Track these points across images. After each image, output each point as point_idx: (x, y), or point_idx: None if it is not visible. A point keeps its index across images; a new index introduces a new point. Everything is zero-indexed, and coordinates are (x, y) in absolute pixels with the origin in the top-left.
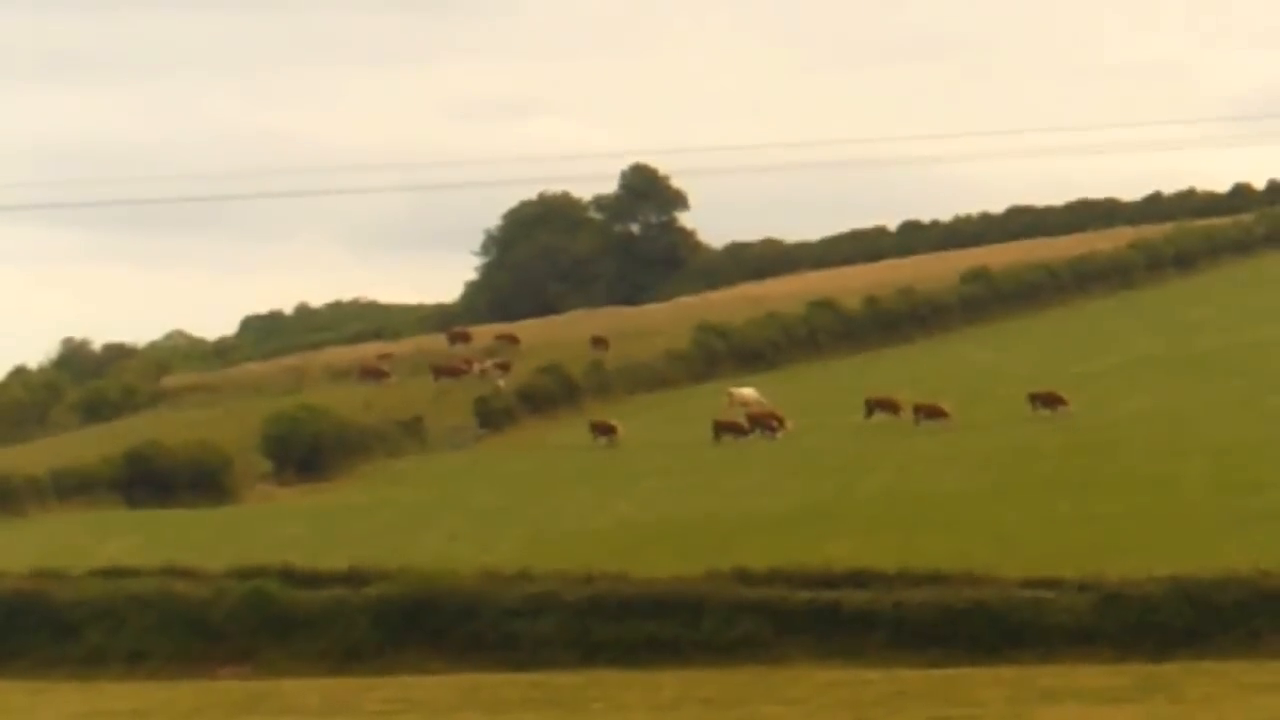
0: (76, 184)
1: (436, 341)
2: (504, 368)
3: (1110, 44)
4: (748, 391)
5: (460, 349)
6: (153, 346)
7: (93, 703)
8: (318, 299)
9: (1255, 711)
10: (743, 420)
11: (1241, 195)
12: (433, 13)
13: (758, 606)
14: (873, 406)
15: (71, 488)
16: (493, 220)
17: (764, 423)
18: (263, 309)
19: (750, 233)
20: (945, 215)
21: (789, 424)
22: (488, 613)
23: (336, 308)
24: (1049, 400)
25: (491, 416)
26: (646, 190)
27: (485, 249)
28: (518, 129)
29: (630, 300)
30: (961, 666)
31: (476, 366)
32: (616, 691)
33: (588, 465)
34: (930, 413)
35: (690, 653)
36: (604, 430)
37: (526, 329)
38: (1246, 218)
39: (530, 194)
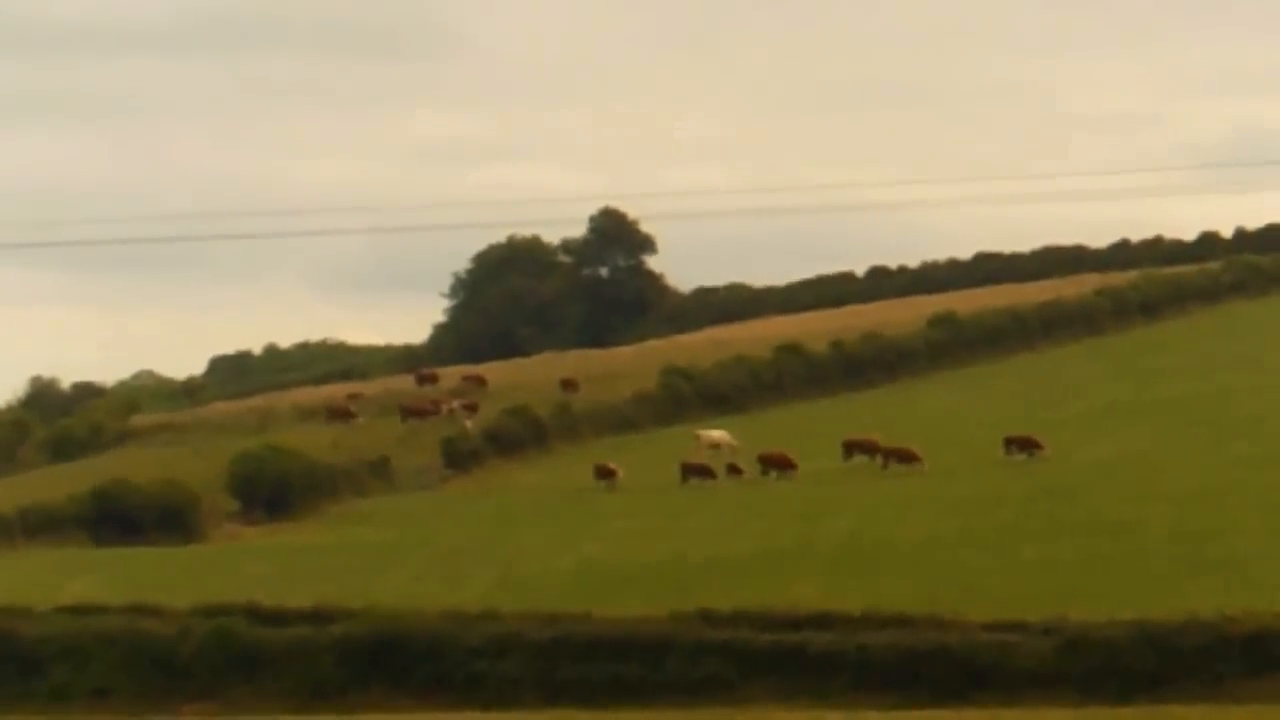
0: (45, 225)
1: (404, 382)
2: (471, 409)
3: (1077, 93)
4: (717, 434)
5: (428, 390)
6: (121, 386)
7: None
8: (286, 339)
9: None
10: (728, 458)
11: (1208, 243)
12: (401, 57)
13: (722, 648)
14: (851, 448)
15: (39, 525)
16: (461, 263)
17: (779, 464)
18: (231, 349)
19: (718, 277)
20: (913, 261)
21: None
22: (453, 652)
23: (304, 348)
24: (1024, 444)
25: (458, 457)
26: (615, 234)
27: (453, 291)
28: (486, 173)
29: (598, 343)
30: (925, 709)
31: (444, 407)
32: None
33: (554, 507)
34: (902, 456)
35: (655, 693)
36: (605, 474)
37: (494, 370)
38: (1213, 266)
39: (499, 237)
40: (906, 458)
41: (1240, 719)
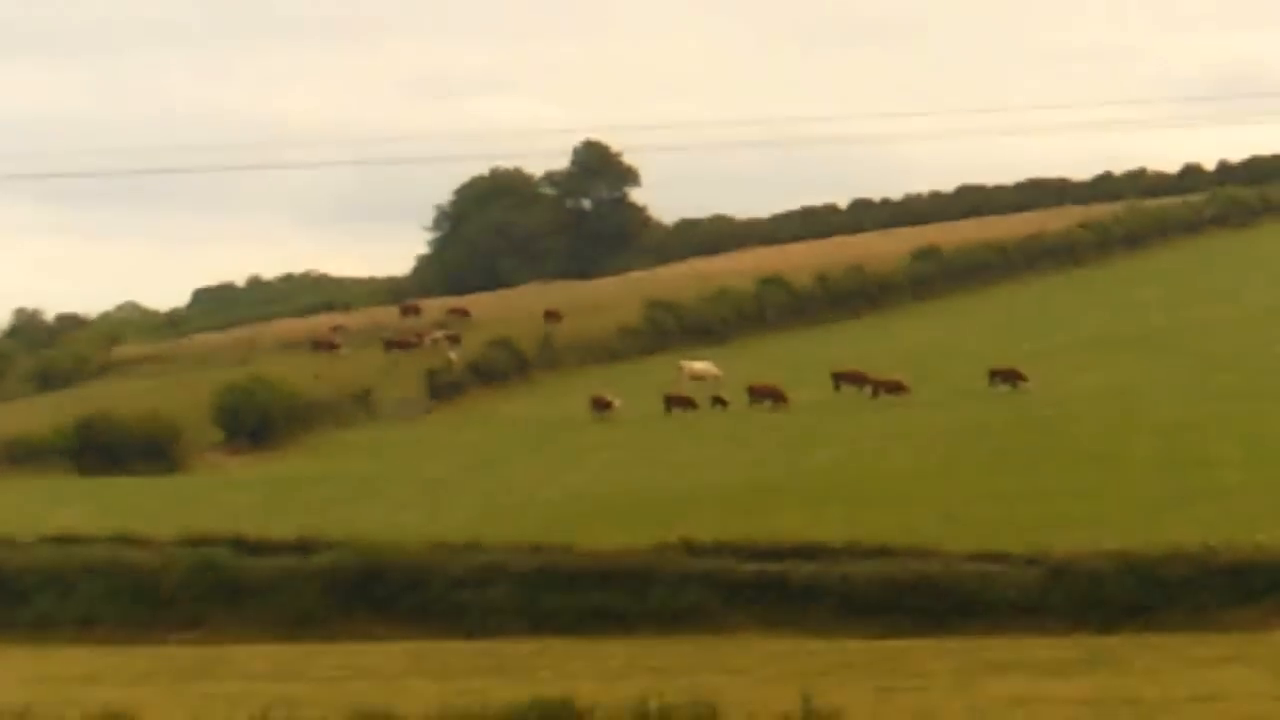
0: (29, 157)
1: (387, 314)
2: (455, 340)
3: (1063, 26)
4: (701, 365)
5: (411, 322)
6: (105, 317)
7: (42, 668)
8: (269, 271)
9: (1200, 685)
10: (712, 389)
11: (1191, 176)
12: None
13: (705, 578)
14: (839, 380)
15: (23, 456)
16: (444, 195)
17: (771, 395)
18: (214, 281)
19: (701, 209)
20: (896, 193)
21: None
22: (436, 582)
23: (288, 280)
24: (1009, 376)
25: (442, 389)
26: (598, 166)
27: (437, 224)
28: (470, 105)
29: (581, 275)
30: (908, 639)
31: (427, 339)
32: (564, 660)
33: (538, 437)
34: (891, 388)
35: (638, 623)
36: (601, 405)
37: (477, 302)
38: (1196, 198)
39: (482, 169)
40: (895, 389)
41: (1223, 648)
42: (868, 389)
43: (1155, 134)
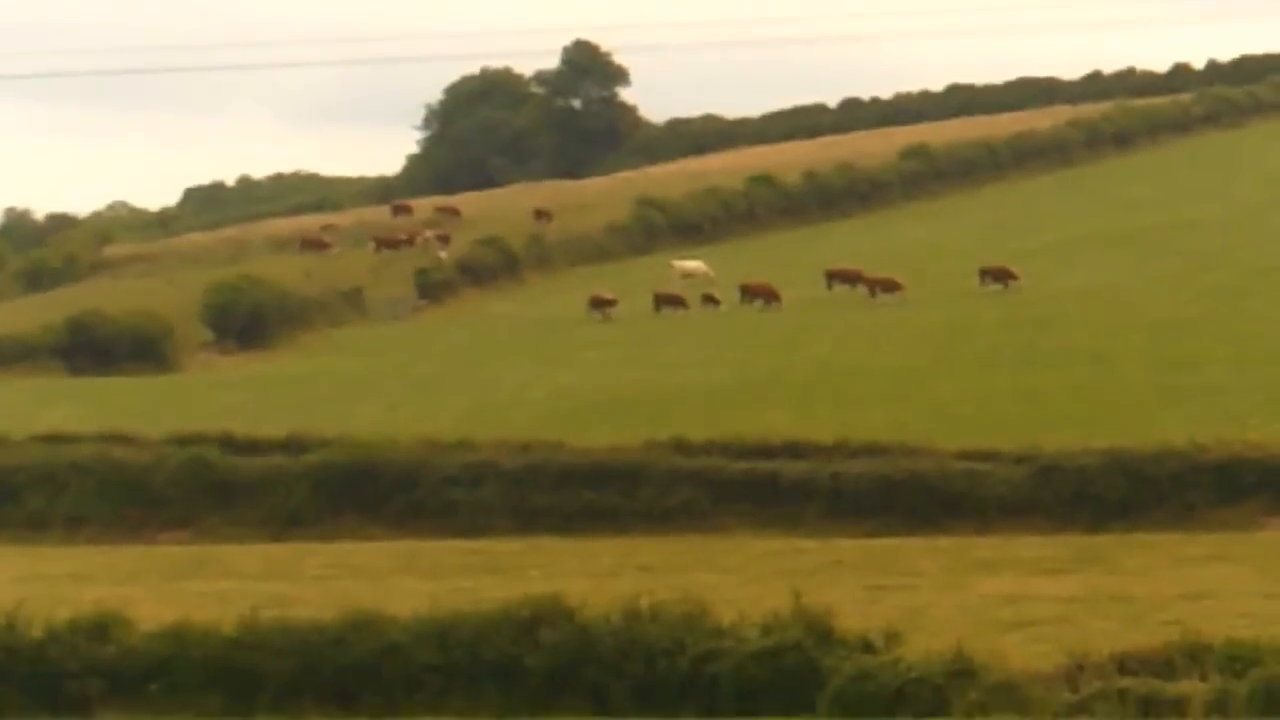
0: (18, 56)
1: (377, 213)
2: (445, 239)
3: None
4: (692, 264)
5: (402, 221)
6: (95, 216)
7: (32, 566)
8: (259, 171)
9: (1188, 582)
10: (703, 288)
11: (1180, 75)
12: None
13: (695, 476)
14: (834, 278)
15: (13, 355)
16: (434, 94)
17: (763, 294)
18: (204, 180)
19: (691, 108)
20: (885, 92)
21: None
22: (427, 481)
23: (278, 179)
24: (999, 274)
25: (432, 288)
26: (588, 66)
27: (426, 123)
28: (459, 3)
29: (570, 175)
30: (898, 537)
31: (418, 238)
32: (554, 559)
33: (527, 336)
34: (887, 286)
35: (628, 521)
36: (601, 304)
37: (467, 201)
38: (1185, 97)
39: (471, 69)
40: (892, 287)
41: (1211, 546)
42: (863, 287)
43: (1144, 33)
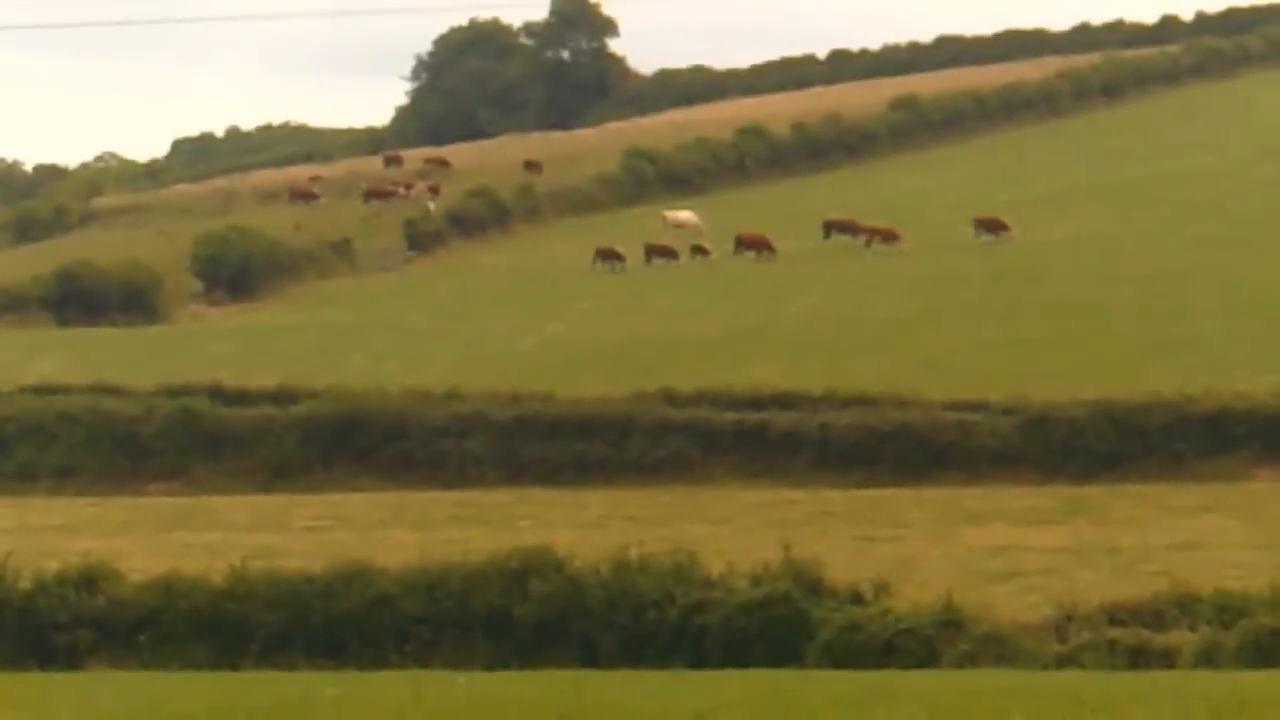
0: (6, 8)
1: (367, 164)
2: (434, 190)
3: None
4: (684, 214)
5: (391, 172)
6: (84, 167)
7: (22, 517)
8: (248, 122)
9: (1177, 533)
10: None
11: (1169, 27)
12: None
13: (685, 427)
14: (830, 228)
15: (2, 306)
16: (423, 45)
17: (758, 245)
18: (193, 131)
19: (680, 59)
20: (874, 44)
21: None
22: (416, 432)
23: (267, 130)
24: (992, 225)
25: (421, 239)
26: (577, 17)
27: (415, 74)
28: None
29: (560, 126)
30: (887, 488)
31: (407, 189)
32: (543, 509)
33: (517, 287)
34: (885, 236)
35: (617, 472)
36: (609, 255)
37: (456, 153)
38: (1173, 49)
39: (460, 20)
40: (889, 237)
41: (1200, 497)
42: (861, 237)
43: None
